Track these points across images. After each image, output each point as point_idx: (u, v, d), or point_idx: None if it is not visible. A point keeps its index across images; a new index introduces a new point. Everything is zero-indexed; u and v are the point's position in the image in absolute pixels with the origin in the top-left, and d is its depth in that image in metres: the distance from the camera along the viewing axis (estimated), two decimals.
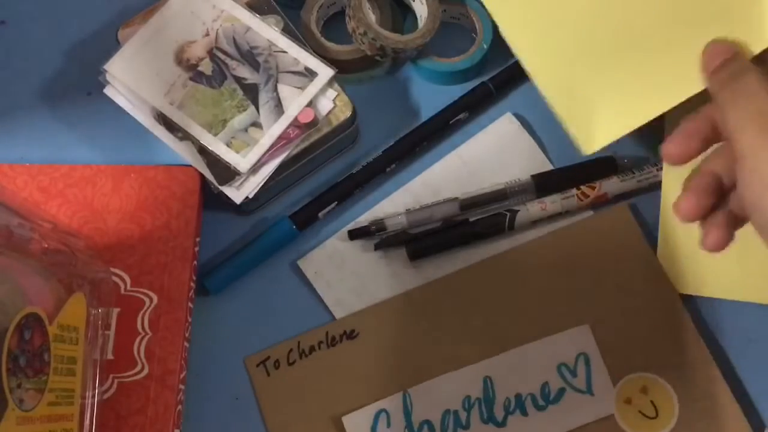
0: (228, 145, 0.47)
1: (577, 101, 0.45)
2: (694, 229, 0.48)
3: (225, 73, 0.48)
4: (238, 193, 0.47)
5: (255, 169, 0.47)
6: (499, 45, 0.52)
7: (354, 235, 0.49)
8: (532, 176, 0.49)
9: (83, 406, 0.41)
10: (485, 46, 0.51)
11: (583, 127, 0.45)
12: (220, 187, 0.47)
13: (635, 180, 0.49)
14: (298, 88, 0.48)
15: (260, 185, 0.47)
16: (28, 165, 0.48)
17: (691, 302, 0.48)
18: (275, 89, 0.48)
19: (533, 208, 0.48)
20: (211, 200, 0.49)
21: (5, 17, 0.54)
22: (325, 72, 0.48)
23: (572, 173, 0.50)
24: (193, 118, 0.47)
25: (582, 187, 0.49)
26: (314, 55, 0.48)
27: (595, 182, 0.49)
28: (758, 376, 0.47)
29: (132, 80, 0.47)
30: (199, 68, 0.48)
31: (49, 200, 0.47)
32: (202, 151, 0.47)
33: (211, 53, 0.48)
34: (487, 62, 0.52)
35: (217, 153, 0.47)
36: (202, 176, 0.47)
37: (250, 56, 0.48)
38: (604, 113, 0.44)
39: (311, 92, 0.48)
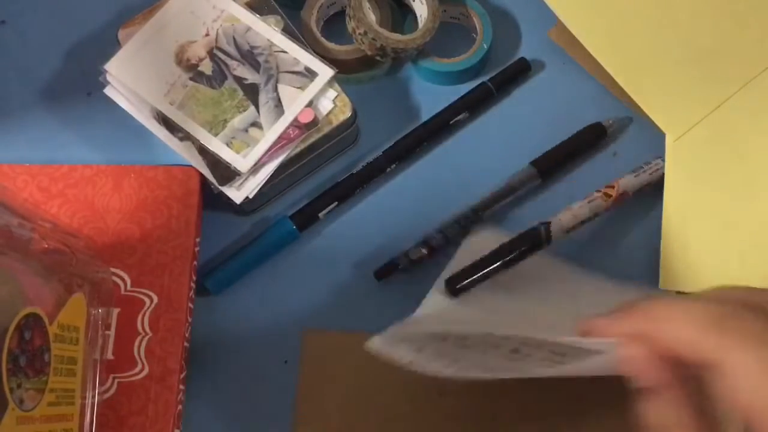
0: (228, 145, 0.47)
1: (656, 92, 0.48)
2: (697, 228, 0.48)
3: (225, 73, 0.48)
4: (238, 193, 0.47)
5: (255, 169, 0.47)
6: (499, 45, 0.53)
7: (381, 274, 0.48)
8: (531, 163, 0.49)
9: (83, 406, 0.41)
10: (485, 46, 0.51)
11: (665, 114, 0.48)
12: (220, 188, 0.47)
13: (647, 173, 0.49)
14: (298, 88, 0.48)
15: (260, 185, 0.47)
16: (28, 165, 0.48)
17: None
18: (275, 89, 0.48)
19: (565, 218, 0.47)
20: (211, 200, 0.49)
21: (5, 17, 0.54)
22: (325, 72, 0.48)
23: (567, 147, 0.50)
24: (193, 118, 0.47)
25: (601, 189, 0.48)
26: (314, 55, 0.48)
27: (612, 183, 0.48)
28: None
29: (132, 80, 0.47)
30: (200, 68, 0.48)
31: (49, 200, 0.47)
32: (202, 151, 0.47)
33: (211, 53, 0.48)
34: (487, 62, 0.52)
35: (217, 153, 0.47)
36: (202, 176, 0.47)
37: (250, 56, 0.48)
38: (682, 100, 0.48)
39: (311, 92, 0.48)
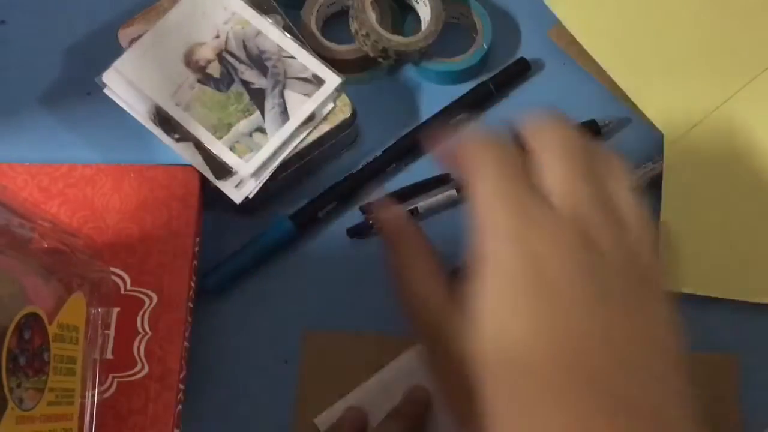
0: (232, 149, 0.47)
1: (655, 93, 0.49)
2: (695, 228, 0.48)
3: (233, 76, 0.48)
4: (238, 193, 0.47)
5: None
6: (499, 45, 0.53)
7: (352, 233, 0.49)
8: None
9: (83, 406, 0.41)
10: (485, 46, 0.51)
11: (663, 115, 0.49)
12: (216, 182, 0.46)
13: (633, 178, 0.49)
14: (305, 95, 0.47)
15: (260, 185, 0.47)
16: (28, 165, 0.48)
17: (691, 301, 0.48)
18: (282, 95, 0.47)
19: None
20: (211, 200, 0.49)
21: (5, 17, 0.54)
22: (332, 80, 0.47)
23: None
24: (198, 120, 0.47)
25: None
26: (323, 63, 0.48)
27: None
28: (758, 375, 0.47)
29: (139, 79, 0.47)
30: (207, 70, 0.48)
31: (49, 200, 0.47)
32: (199, 147, 0.47)
33: (220, 56, 0.48)
34: (487, 62, 0.52)
35: (220, 156, 0.46)
36: (202, 176, 0.47)
37: (258, 61, 0.48)
38: (680, 101, 0.49)
39: (317, 100, 0.47)
